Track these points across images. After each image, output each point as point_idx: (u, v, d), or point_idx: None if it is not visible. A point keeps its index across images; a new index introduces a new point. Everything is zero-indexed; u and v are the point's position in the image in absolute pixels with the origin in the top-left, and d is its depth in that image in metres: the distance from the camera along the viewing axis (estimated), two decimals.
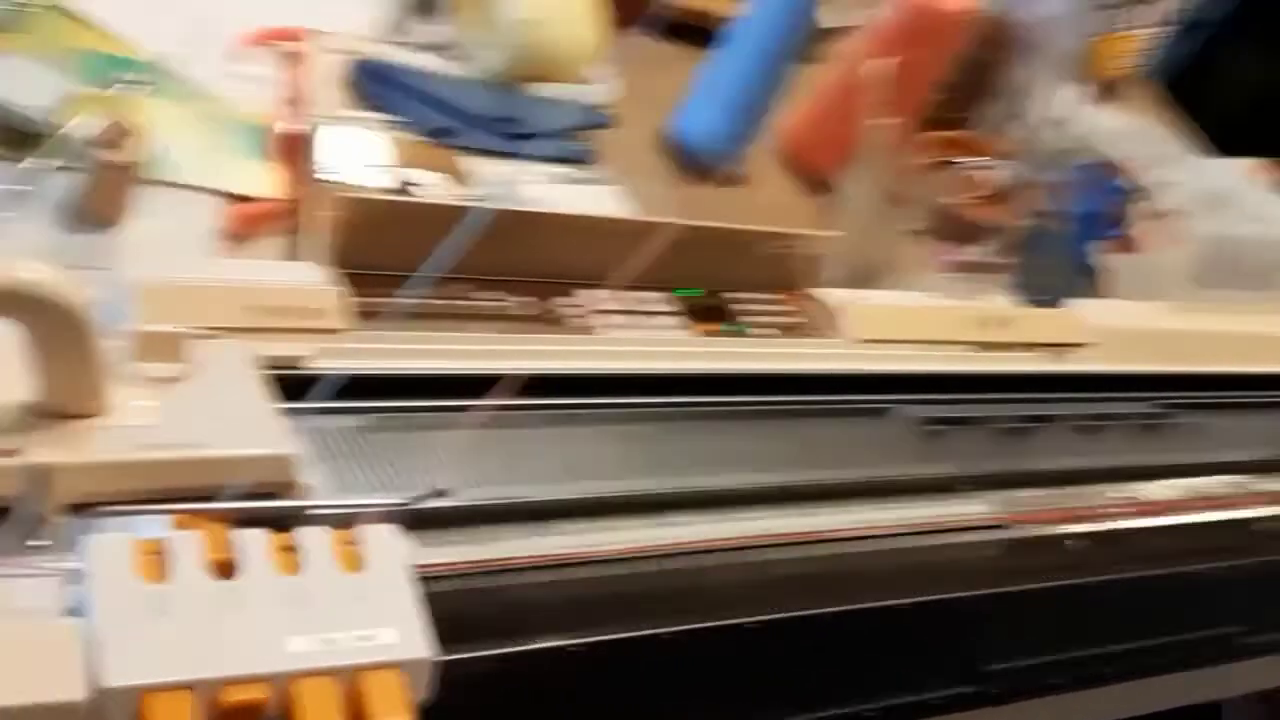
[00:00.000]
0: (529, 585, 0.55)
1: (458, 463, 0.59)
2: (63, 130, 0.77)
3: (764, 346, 0.79)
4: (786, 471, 0.67)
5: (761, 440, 0.70)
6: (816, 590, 0.62)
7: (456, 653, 0.51)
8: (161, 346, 0.53)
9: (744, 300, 0.82)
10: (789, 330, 0.82)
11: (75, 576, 0.40)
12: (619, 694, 0.58)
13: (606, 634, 0.56)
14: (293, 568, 0.42)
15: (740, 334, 0.79)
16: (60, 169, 0.76)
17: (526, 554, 0.55)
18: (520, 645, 0.54)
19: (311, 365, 0.61)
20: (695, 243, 0.78)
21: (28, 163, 0.74)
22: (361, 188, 0.81)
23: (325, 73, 0.92)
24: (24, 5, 0.83)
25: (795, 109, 1.14)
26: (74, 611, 0.39)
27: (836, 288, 0.86)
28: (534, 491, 0.58)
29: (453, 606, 0.53)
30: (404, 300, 0.69)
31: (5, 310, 0.43)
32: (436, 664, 0.42)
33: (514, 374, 0.58)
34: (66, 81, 0.80)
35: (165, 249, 0.77)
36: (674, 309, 0.78)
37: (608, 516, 0.59)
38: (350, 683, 0.39)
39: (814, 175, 1.12)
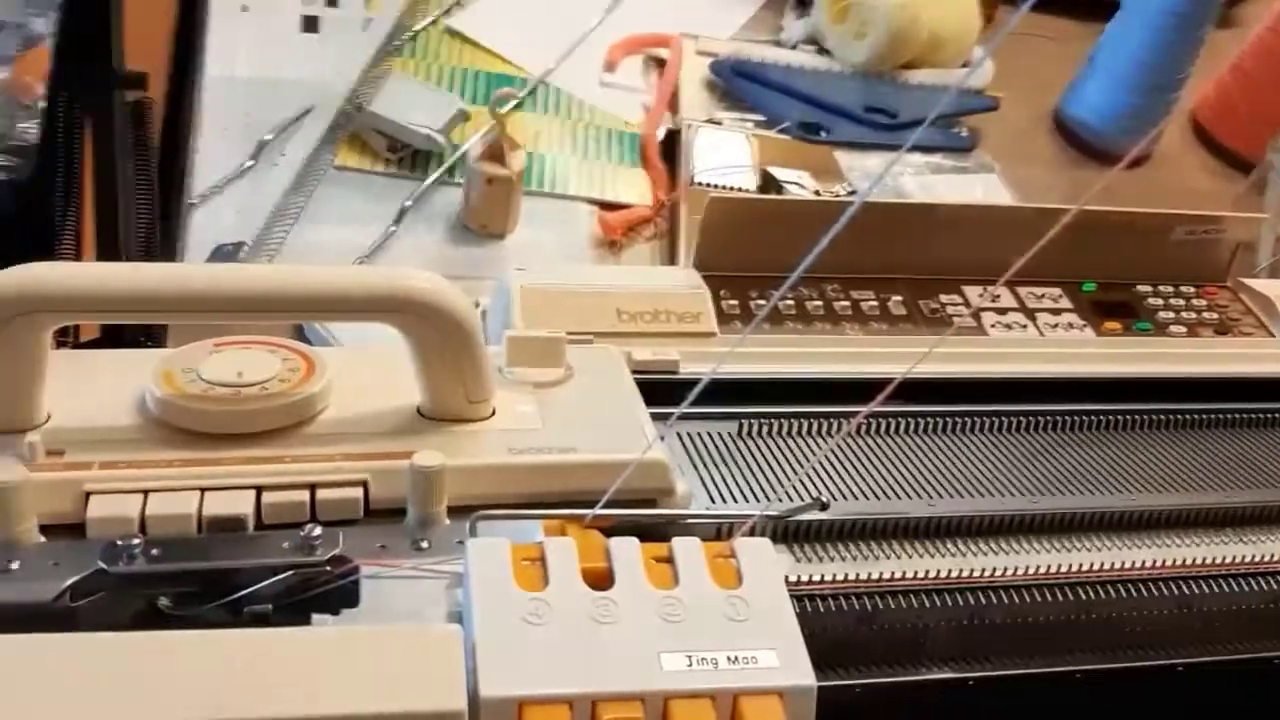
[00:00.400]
0: (916, 610, 0.50)
1: (836, 473, 0.55)
2: (452, 147, 0.81)
3: (1184, 347, 0.69)
4: (1217, 491, 0.58)
5: (1185, 454, 0.61)
6: (1259, 629, 0.53)
7: (832, 679, 0.47)
8: (541, 351, 0.53)
9: (1155, 294, 0.72)
10: (1211, 328, 0.71)
11: (459, 580, 0.40)
12: None
13: (1005, 669, 0.50)
14: (667, 581, 0.40)
15: (1152, 332, 0.70)
16: (449, 184, 0.80)
17: (914, 575, 0.50)
18: (905, 675, 0.49)
19: (685, 369, 0.60)
20: (1098, 230, 0.69)
21: (420, 179, 0.79)
22: (734, 188, 0.79)
23: (694, 76, 0.91)
24: (416, 30, 0.88)
25: (1210, 79, 1.01)
26: (458, 616, 0.39)
27: (1267, 278, 0.74)
28: (920, 507, 0.53)
29: (829, 629, 0.50)
30: (777, 302, 0.66)
31: (393, 317, 0.45)
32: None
33: (902, 378, 0.53)
34: (455, 101, 0.84)
35: (546, 257, 0.79)
36: (1073, 305, 0.70)
37: (1006, 536, 0.53)
38: (728, 707, 0.37)
39: (1234, 152, 0.99)
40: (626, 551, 0.40)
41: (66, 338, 0.60)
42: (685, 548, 0.41)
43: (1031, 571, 0.51)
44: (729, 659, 0.37)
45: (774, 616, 0.39)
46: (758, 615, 0.39)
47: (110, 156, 0.58)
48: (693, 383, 0.61)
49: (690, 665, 0.37)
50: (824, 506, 0.48)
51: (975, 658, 0.51)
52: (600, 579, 0.39)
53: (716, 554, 0.41)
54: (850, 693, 0.49)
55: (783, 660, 0.38)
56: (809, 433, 0.58)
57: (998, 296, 0.69)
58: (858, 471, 0.55)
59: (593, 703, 0.36)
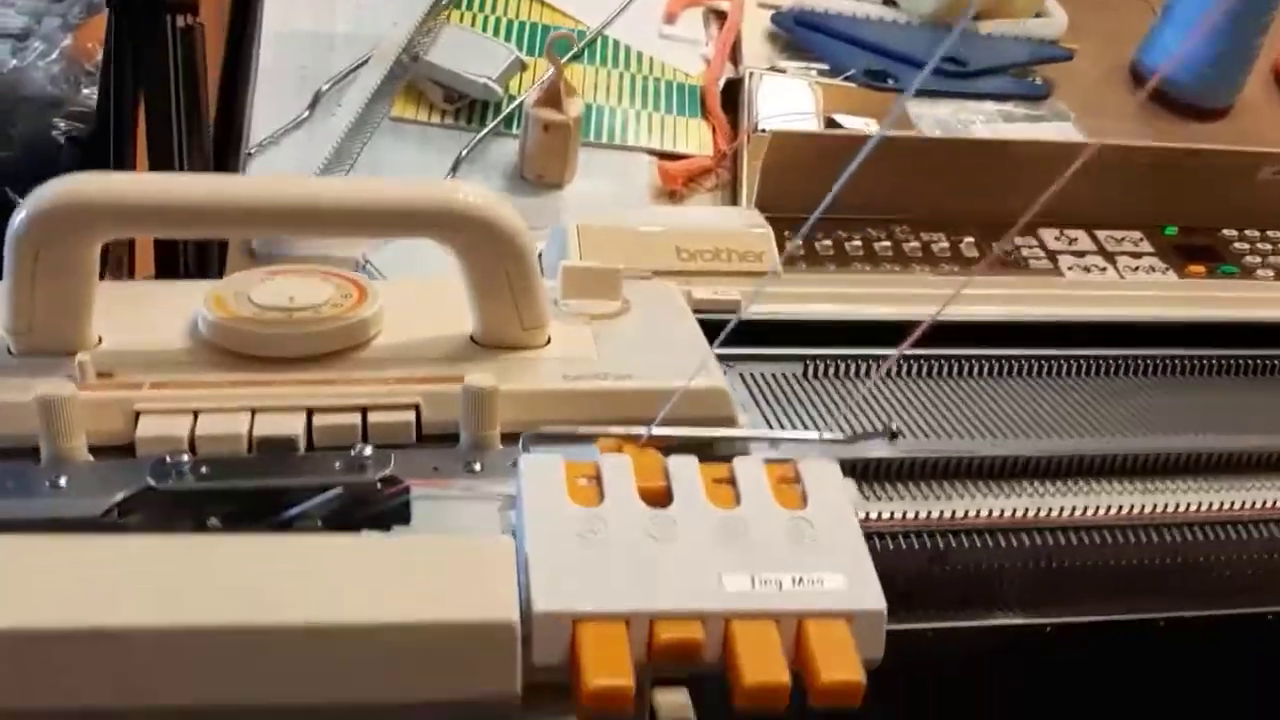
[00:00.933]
0: (990, 550, 0.48)
1: (907, 414, 0.53)
2: (509, 98, 0.80)
3: (1273, 290, 0.66)
4: None
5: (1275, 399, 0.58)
6: None
7: (902, 622, 0.45)
8: (597, 282, 0.51)
9: (1241, 238, 0.69)
10: None
11: (512, 502, 0.39)
12: (1092, 687, 0.50)
13: (1084, 615, 0.48)
14: (728, 501, 0.38)
15: (1238, 276, 0.67)
16: (506, 135, 0.79)
17: (988, 514, 0.48)
18: (978, 620, 0.47)
19: (746, 308, 0.58)
20: (1180, 172, 0.66)
21: (476, 130, 0.78)
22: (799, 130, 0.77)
23: (756, 28, 0.89)
24: None
25: None
26: (511, 534, 0.38)
27: None
28: (993, 445, 0.51)
29: (899, 569, 0.48)
30: (843, 243, 0.64)
31: (444, 233, 0.43)
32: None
33: (932, 320, 0.50)
34: (511, 50, 0.83)
35: (604, 207, 0.77)
36: (1154, 249, 0.67)
37: (1085, 478, 0.50)
38: (792, 630, 0.35)
39: None
40: (686, 470, 0.38)
41: (120, 273, 0.60)
42: (747, 468, 0.39)
43: (1113, 512, 0.49)
44: (794, 580, 0.35)
45: (841, 539, 0.37)
46: (824, 537, 0.37)
47: (162, 83, 0.57)
48: (755, 323, 0.59)
49: (753, 586, 0.35)
50: (893, 436, 0.46)
51: (1052, 603, 0.48)
52: (658, 498, 0.38)
53: (780, 477, 0.39)
54: (922, 637, 0.47)
55: (850, 583, 0.36)
56: (877, 373, 0.56)
57: (1075, 239, 0.67)
58: (929, 414, 0.53)
59: (650, 621, 0.34)
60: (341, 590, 0.32)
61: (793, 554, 0.36)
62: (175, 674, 0.30)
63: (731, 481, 0.39)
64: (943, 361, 0.57)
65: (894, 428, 0.46)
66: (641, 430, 0.40)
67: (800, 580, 0.35)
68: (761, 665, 0.33)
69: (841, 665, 0.34)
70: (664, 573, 0.35)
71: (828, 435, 0.42)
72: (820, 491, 0.39)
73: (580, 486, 0.38)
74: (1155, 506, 0.49)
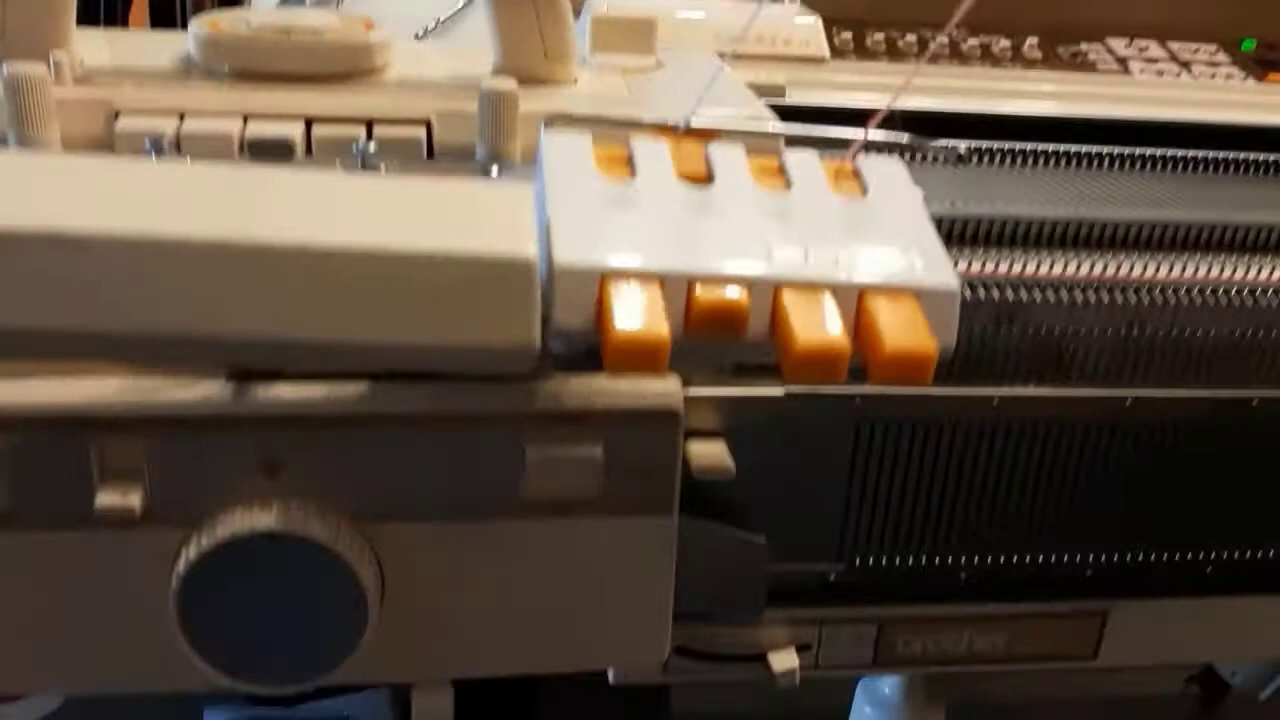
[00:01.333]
0: (1065, 309, 0.43)
1: (962, 188, 0.48)
2: None
3: None
4: None
5: None
6: None
7: (964, 389, 0.41)
8: (630, 33, 0.47)
9: None
10: None
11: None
12: (1172, 467, 0.45)
13: (1163, 389, 0.43)
14: (778, 185, 0.33)
15: None
16: None
17: (1062, 271, 0.43)
18: (1049, 389, 0.43)
19: (792, 96, 0.53)
20: None
21: None
22: None
23: None
24: None
25: None
26: None
27: None
28: (1068, 210, 0.46)
29: (961, 327, 0.43)
30: (896, 41, 0.59)
31: None
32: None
33: (887, 110, 0.45)
34: None
35: None
36: (1231, 58, 0.62)
37: (1167, 250, 0.45)
38: (852, 304, 0.30)
39: None
40: (730, 153, 0.34)
41: None
42: (799, 157, 0.34)
43: (1201, 274, 0.44)
44: (854, 255, 0.31)
45: (908, 222, 0.32)
46: (888, 220, 0.32)
47: None
48: (800, 110, 0.54)
49: (806, 259, 0.30)
50: (960, 158, 0.41)
51: (1134, 374, 0.43)
52: (698, 180, 0.33)
53: (837, 170, 0.35)
54: (987, 406, 0.42)
55: (918, 262, 0.31)
56: (925, 162, 0.51)
57: (1146, 48, 0.61)
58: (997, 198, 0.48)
59: (689, 283, 0.29)
60: (345, 216, 0.28)
61: (852, 232, 0.32)
62: (168, 294, 0.26)
63: (781, 170, 0.34)
64: (1011, 155, 0.52)
65: (962, 150, 0.41)
66: (679, 119, 0.36)
67: (861, 256, 0.31)
68: (816, 328, 0.29)
69: (911, 335, 0.29)
70: (704, 239, 0.30)
71: (880, 133, 0.37)
72: (883, 181, 0.34)
73: (611, 163, 0.33)
74: (1250, 271, 0.44)
